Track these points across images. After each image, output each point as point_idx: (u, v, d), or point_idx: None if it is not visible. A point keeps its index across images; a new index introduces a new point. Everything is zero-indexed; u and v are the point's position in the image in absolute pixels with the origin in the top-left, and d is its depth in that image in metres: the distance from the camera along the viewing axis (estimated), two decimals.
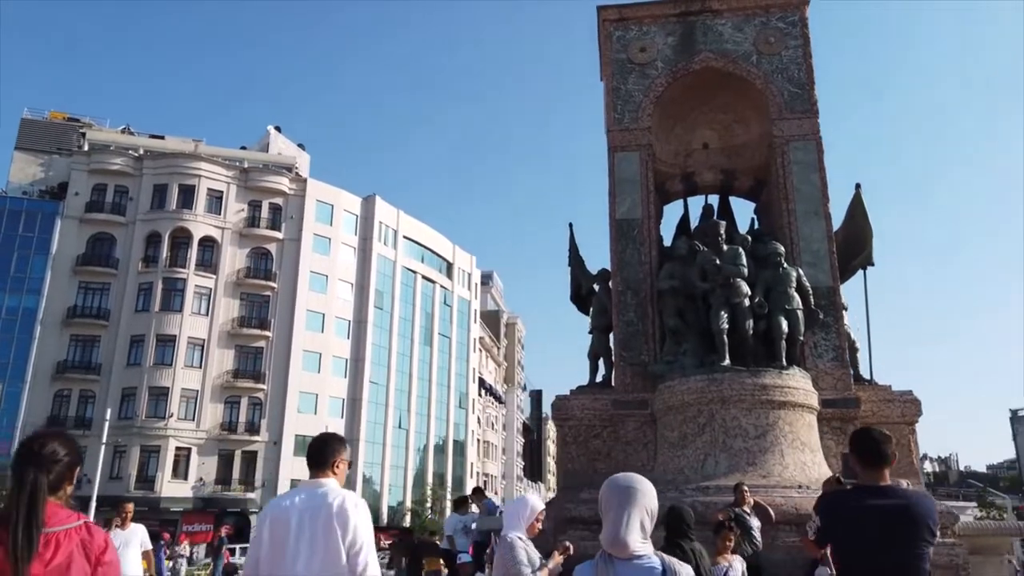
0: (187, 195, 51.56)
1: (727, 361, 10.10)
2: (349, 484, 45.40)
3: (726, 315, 10.26)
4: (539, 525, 4.61)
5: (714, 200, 13.41)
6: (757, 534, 8.19)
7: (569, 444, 11.32)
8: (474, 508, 11.65)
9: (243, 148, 62.84)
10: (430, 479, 60.07)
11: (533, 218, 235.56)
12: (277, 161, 58.74)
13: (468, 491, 64.11)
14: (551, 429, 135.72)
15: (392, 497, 57.01)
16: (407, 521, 56.83)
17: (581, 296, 13.08)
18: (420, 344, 62.06)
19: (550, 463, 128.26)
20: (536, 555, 4.50)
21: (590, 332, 12.51)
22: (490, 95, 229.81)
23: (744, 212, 13.09)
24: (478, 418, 70.32)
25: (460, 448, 66.09)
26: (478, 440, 70.22)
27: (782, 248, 10.79)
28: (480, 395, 71.37)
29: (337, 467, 3.47)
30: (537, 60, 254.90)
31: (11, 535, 2.28)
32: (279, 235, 53.32)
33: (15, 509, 2.34)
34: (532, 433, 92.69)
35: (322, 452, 3.48)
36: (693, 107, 12.74)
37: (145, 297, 49.38)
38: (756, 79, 12.06)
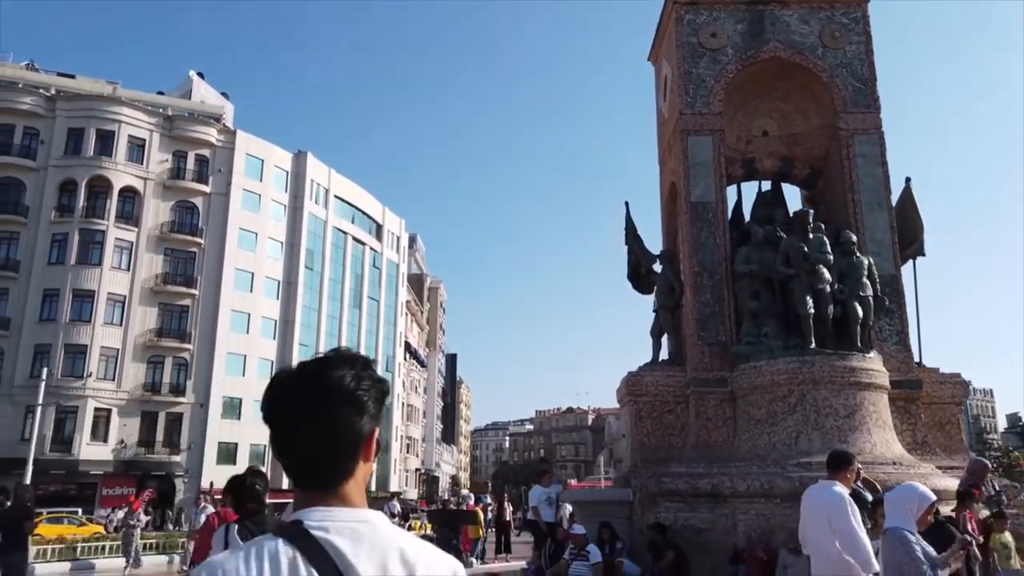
0: (106, 141, 48.13)
1: (813, 344, 10.67)
2: None
3: (811, 300, 10.80)
4: (930, 518, 4.56)
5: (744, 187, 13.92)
6: None
7: (644, 419, 11.67)
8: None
9: (160, 93, 59.05)
10: None
11: (452, 180, 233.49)
12: (203, 110, 55.64)
13: (394, 454, 63.43)
14: (463, 392, 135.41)
15: None
16: None
17: (640, 274, 13.36)
18: (349, 307, 60.99)
19: (462, 426, 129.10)
20: (930, 550, 4.39)
21: (654, 311, 12.85)
22: (408, 48, 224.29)
23: (791, 199, 13.66)
24: (402, 382, 70.03)
25: (386, 412, 65.60)
26: (402, 404, 70.02)
27: (855, 237, 11.41)
28: (405, 359, 71.01)
29: (848, 474, 5.66)
30: (480, 19, 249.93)
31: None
32: (206, 188, 50.76)
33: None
34: (448, 396, 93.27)
35: (838, 462, 5.69)
36: (754, 95, 13.12)
37: (60, 249, 46.08)
38: (822, 72, 12.54)
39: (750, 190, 13.76)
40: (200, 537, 7.20)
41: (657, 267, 13.17)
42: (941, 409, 11.60)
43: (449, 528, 13.56)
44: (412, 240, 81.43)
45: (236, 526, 4.87)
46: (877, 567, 5.61)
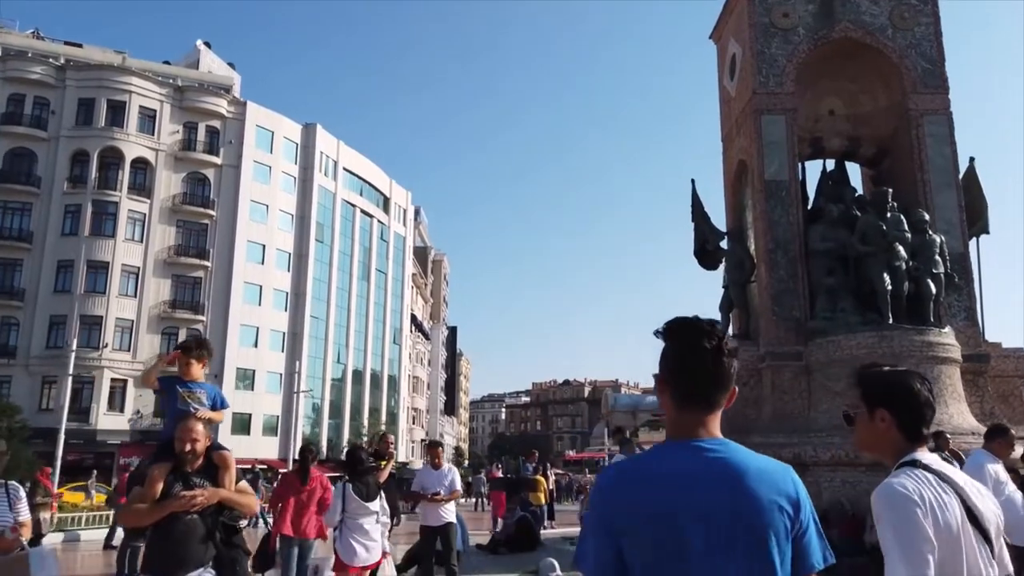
0: (116, 112, 47.87)
1: (891, 320, 11.04)
2: (289, 416, 44.25)
3: (888, 277, 11.15)
4: None
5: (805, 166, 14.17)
6: None
7: None
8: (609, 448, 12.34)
9: (166, 63, 58.44)
10: (367, 413, 60.16)
11: (453, 151, 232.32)
12: (213, 80, 55.18)
13: (404, 423, 63.99)
14: (463, 365, 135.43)
15: (331, 431, 56.84)
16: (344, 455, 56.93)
17: (707, 251, 13.67)
18: (358, 279, 61.18)
19: (462, 398, 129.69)
20: None
21: (724, 286, 13.19)
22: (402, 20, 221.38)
23: (853, 178, 13.95)
24: (409, 354, 70.49)
25: (393, 383, 66.29)
26: (409, 376, 70.56)
27: (927, 216, 11.74)
28: (411, 331, 71.40)
29: (996, 444, 6.10)
30: None
31: (301, 475, 7.80)
32: (217, 160, 50.61)
33: (306, 467, 7.89)
34: (449, 368, 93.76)
35: (988, 434, 6.12)
36: (823, 74, 13.33)
37: (73, 220, 46.00)
38: (892, 52, 12.76)
39: (812, 168, 14.06)
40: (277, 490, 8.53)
41: (724, 244, 13.48)
42: (1005, 382, 12.03)
43: (517, 495, 14.06)
44: (416, 213, 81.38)
45: (351, 484, 6.76)
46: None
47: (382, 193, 66.27)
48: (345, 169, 60.24)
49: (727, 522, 1.59)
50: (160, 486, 3.84)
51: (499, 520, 18.12)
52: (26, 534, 4.02)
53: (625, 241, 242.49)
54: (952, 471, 2.22)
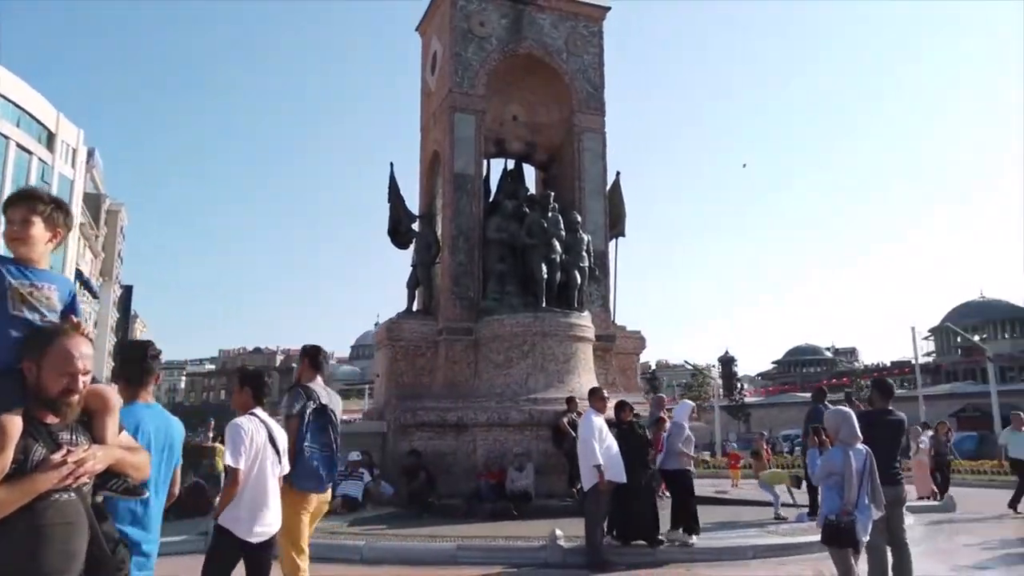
0: None
1: (544, 303, 13.01)
2: None
3: (545, 267, 13.11)
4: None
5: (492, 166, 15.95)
6: None
7: (399, 360, 13.17)
8: None
9: None
10: None
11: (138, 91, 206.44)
12: None
13: None
14: (138, 328, 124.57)
15: None
16: None
17: (400, 231, 14.65)
18: None
19: None
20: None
21: (412, 265, 14.27)
22: None
23: (529, 179, 15.92)
24: None
25: None
26: None
27: (580, 218, 13.96)
28: (77, 288, 63.27)
29: (597, 403, 8.58)
30: None
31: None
32: None
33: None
34: (120, 331, 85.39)
35: (589, 395, 8.79)
36: (509, 83, 14.96)
37: None
38: (565, 74, 14.80)
39: (497, 166, 15.78)
40: None
41: (416, 226, 14.60)
42: (626, 358, 14.84)
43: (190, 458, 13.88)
44: (90, 155, 72.01)
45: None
46: (599, 460, 7.96)
47: (46, 128, 57.57)
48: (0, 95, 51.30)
49: (168, 443, 3.02)
50: (12, 451, 2.07)
51: None
52: None
53: (320, 212, 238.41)
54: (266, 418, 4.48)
